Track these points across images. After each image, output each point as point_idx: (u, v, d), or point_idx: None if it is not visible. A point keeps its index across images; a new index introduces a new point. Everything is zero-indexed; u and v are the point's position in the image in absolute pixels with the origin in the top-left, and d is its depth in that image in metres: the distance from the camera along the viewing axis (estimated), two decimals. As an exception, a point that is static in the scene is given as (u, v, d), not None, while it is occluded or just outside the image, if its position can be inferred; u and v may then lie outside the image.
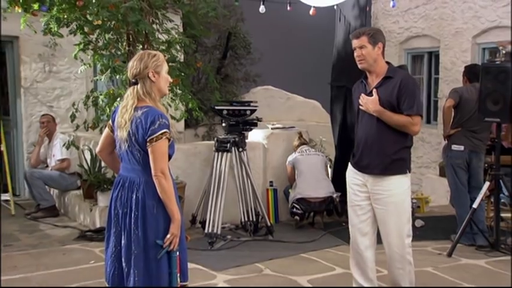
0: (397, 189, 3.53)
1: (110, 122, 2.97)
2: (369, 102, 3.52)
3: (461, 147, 5.33)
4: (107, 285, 2.91)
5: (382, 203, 3.54)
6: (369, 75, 3.64)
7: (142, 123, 2.73)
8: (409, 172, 3.62)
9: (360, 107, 3.59)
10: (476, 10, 8.30)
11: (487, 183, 5.12)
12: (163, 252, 2.75)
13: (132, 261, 2.77)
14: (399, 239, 3.55)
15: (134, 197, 2.78)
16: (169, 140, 2.77)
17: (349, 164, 3.73)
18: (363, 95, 3.58)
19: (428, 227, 6.06)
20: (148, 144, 2.73)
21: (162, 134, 2.73)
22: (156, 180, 2.72)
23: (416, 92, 3.57)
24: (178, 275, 2.80)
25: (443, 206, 7.03)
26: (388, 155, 3.50)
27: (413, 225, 5.99)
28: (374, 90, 3.54)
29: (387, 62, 3.63)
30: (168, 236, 2.74)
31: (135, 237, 2.76)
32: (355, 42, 3.56)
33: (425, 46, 9.38)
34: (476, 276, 4.52)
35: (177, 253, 2.79)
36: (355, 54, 3.57)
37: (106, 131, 3.02)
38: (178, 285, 2.82)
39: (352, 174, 3.69)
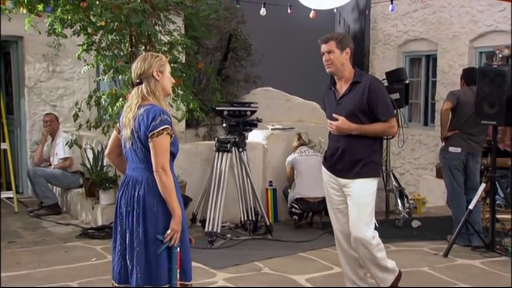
0: (365, 190, 3.59)
1: (118, 124, 3.00)
2: (340, 125, 3.55)
3: (458, 149, 5.38)
4: (114, 283, 2.93)
5: (352, 204, 3.61)
6: (337, 81, 3.67)
7: (144, 120, 2.77)
8: (379, 176, 3.71)
9: (332, 132, 3.62)
10: (474, 15, 8.39)
11: (483, 185, 5.17)
12: (163, 248, 2.77)
13: (135, 258, 2.80)
14: (366, 242, 3.57)
15: (136, 195, 2.81)
16: (171, 136, 2.79)
17: (323, 166, 3.81)
18: (329, 121, 3.61)
19: (425, 227, 6.11)
20: (149, 139, 2.75)
21: (163, 129, 2.75)
22: (157, 176, 2.74)
23: (386, 95, 3.63)
24: (178, 271, 2.81)
25: (440, 207, 7.07)
26: (361, 160, 3.57)
27: (410, 226, 6.12)
28: (335, 114, 3.56)
29: (354, 67, 3.66)
30: (169, 231, 2.76)
31: (137, 235, 2.79)
32: (323, 47, 3.59)
33: (423, 49, 9.46)
34: (471, 276, 4.57)
35: (178, 249, 2.80)
36: (324, 58, 3.61)
37: (114, 133, 3.05)
38: (178, 282, 2.83)
39: (327, 177, 3.77)
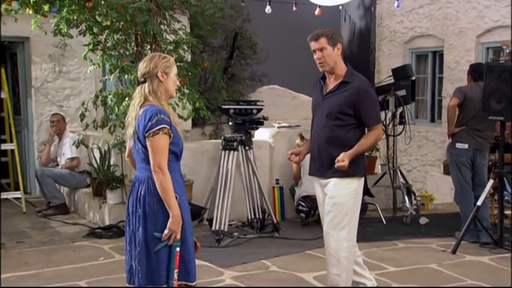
0: (342, 190, 3.46)
1: None
2: (346, 164, 3.36)
3: (466, 146, 5.36)
4: (126, 284, 2.96)
5: (328, 202, 3.51)
6: (327, 75, 3.57)
7: (142, 120, 2.78)
8: (361, 177, 3.56)
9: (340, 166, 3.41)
10: (480, 10, 8.34)
11: (491, 181, 5.16)
12: (160, 246, 2.77)
13: (137, 258, 2.82)
14: (336, 241, 3.47)
15: (139, 195, 2.83)
16: (170, 136, 2.79)
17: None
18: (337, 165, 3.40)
19: (432, 224, 6.10)
20: (146, 139, 2.76)
21: (159, 129, 2.74)
22: (154, 175, 2.75)
23: (375, 100, 3.57)
24: (176, 270, 2.81)
25: (448, 204, 7.05)
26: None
27: (418, 223, 6.10)
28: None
29: (346, 64, 3.55)
30: (166, 231, 2.76)
31: (138, 235, 2.82)
32: (313, 45, 3.47)
33: (429, 46, 9.42)
34: (480, 273, 4.56)
35: (177, 249, 2.79)
36: (315, 56, 3.48)
37: None
38: (175, 282, 2.82)
39: (313, 183, 3.69)
